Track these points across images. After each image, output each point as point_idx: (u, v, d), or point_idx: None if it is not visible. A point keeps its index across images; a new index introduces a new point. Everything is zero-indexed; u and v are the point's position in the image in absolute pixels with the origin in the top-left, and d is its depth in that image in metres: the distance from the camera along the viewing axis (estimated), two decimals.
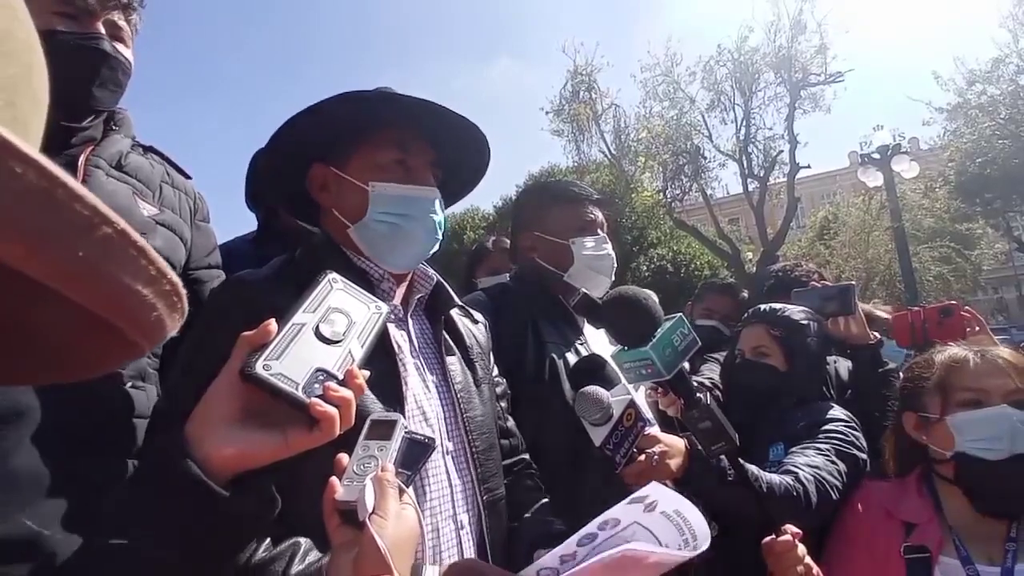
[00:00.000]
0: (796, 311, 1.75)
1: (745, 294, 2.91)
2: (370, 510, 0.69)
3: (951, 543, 1.26)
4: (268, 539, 0.77)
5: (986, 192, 15.46)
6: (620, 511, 0.89)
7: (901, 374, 1.54)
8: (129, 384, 1.16)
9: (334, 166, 1.11)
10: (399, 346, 1.06)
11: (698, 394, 1.20)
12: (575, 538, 0.88)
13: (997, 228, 18.28)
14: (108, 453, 1.08)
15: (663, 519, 0.87)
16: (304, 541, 0.81)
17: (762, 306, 1.80)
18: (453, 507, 1.03)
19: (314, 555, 0.79)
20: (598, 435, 1.22)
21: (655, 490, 0.90)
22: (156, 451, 0.79)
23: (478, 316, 1.31)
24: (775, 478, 1.34)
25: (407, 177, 1.10)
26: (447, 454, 1.05)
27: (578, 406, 1.23)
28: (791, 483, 1.35)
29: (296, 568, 0.76)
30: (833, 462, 1.46)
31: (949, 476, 1.31)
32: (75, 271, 0.27)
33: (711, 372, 2.03)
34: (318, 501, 0.76)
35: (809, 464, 1.43)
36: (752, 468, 1.31)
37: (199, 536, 0.67)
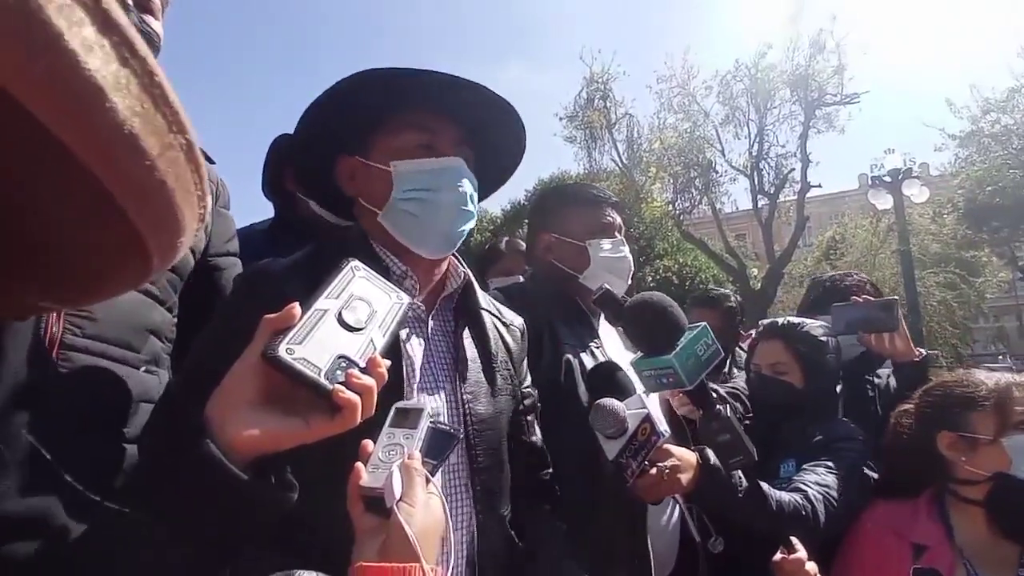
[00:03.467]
0: (816, 327, 1.73)
1: (732, 303, 2.83)
2: (397, 497, 0.68)
3: (962, 567, 1.26)
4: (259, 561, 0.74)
5: (994, 220, 15.44)
6: None
7: (919, 394, 1.50)
8: (143, 368, 1.15)
9: (359, 155, 1.09)
10: (412, 349, 1.03)
11: (718, 406, 1.19)
12: None
13: (1002, 257, 18.23)
14: (119, 437, 1.07)
15: None
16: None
17: (780, 320, 1.78)
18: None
19: None
20: (611, 448, 1.21)
21: None
22: (172, 432, 0.77)
23: (512, 319, 1.26)
24: (785, 496, 1.34)
25: (433, 155, 1.07)
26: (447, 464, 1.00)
27: (593, 419, 1.22)
28: (800, 501, 1.35)
29: None
30: (843, 480, 1.46)
31: (975, 497, 1.30)
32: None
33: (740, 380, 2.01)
34: (320, 500, 0.75)
35: (819, 483, 1.43)
36: (763, 485, 1.31)
37: (215, 520, 0.66)
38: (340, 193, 1.14)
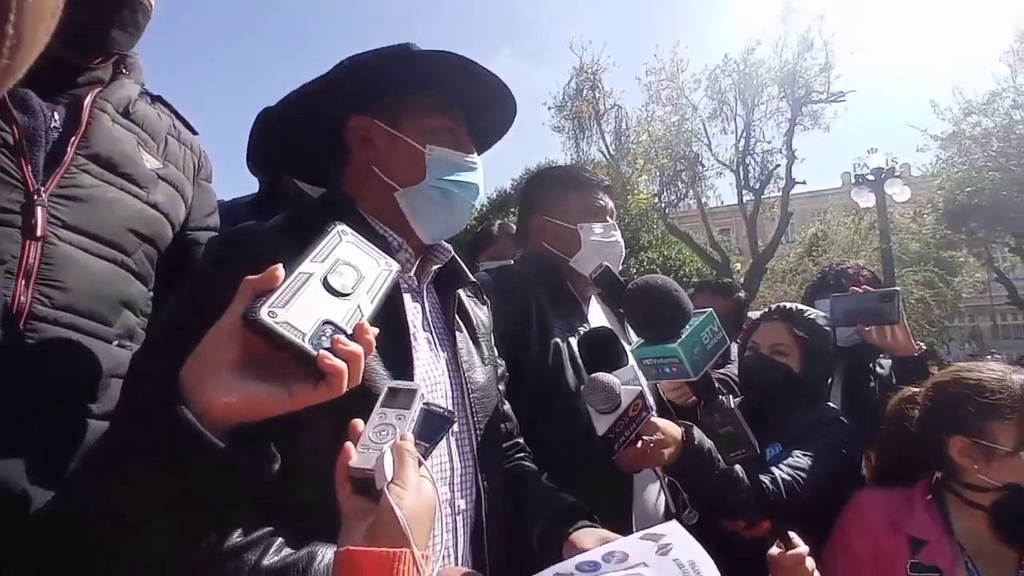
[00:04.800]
0: (820, 316, 1.74)
1: (741, 294, 2.87)
2: (388, 479, 0.65)
3: (962, 565, 1.23)
4: (241, 528, 0.73)
5: (972, 221, 15.67)
6: (630, 545, 0.84)
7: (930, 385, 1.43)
8: (115, 342, 1.11)
9: (382, 121, 1.05)
10: (412, 318, 1.02)
11: (720, 396, 1.16)
12: (574, 561, 0.83)
13: (979, 257, 18.59)
14: (85, 412, 1.03)
15: (675, 568, 0.80)
16: (278, 539, 0.76)
17: (787, 304, 1.79)
18: (451, 491, 0.99)
19: (288, 550, 0.75)
20: (603, 423, 1.20)
21: (673, 532, 0.85)
22: (144, 394, 0.75)
23: (483, 296, 1.28)
24: (754, 478, 1.36)
25: (457, 145, 1.07)
26: (451, 435, 1.01)
27: (586, 393, 1.21)
28: (768, 486, 1.38)
29: (269, 560, 0.71)
30: (819, 461, 1.49)
31: (980, 502, 1.25)
32: None
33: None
34: (313, 480, 0.73)
35: (790, 465, 1.46)
36: (737, 467, 1.33)
37: (187, 490, 0.63)
38: (328, 151, 1.09)
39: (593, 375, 1.20)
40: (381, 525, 0.63)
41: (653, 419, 1.23)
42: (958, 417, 1.29)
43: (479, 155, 1.27)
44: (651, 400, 1.19)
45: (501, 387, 1.25)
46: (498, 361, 1.26)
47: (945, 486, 1.34)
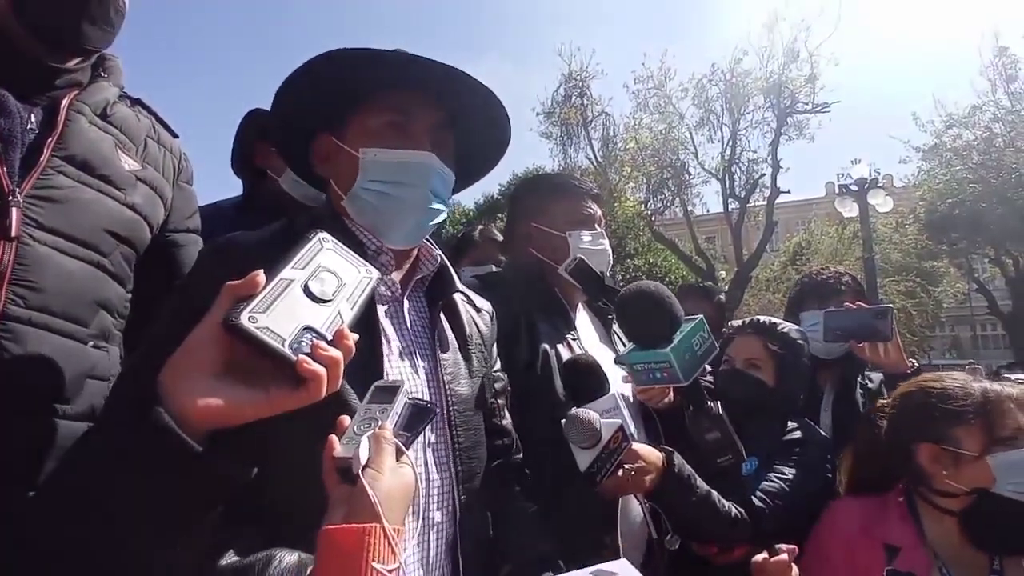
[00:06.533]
0: (794, 330, 1.75)
1: (722, 297, 2.88)
2: (363, 463, 0.68)
3: (937, 571, 1.25)
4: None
5: (953, 232, 15.95)
6: None
7: (897, 395, 1.46)
8: (91, 343, 1.09)
9: (334, 135, 1.05)
10: (384, 326, 1.00)
11: (708, 402, 1.16)
12: None
13: (960, 268, 18.92)
14: (58, 414, 1.02)
15: None
16: (238, 541, 0.77)
17: (761, 318, 1.80)
18: (426, 503, 0.97)
19: (234, 559, 0.75)
20: (584, 459, 1.19)
21: (623, 569, 0.88)
22: (124, 399, 0.75)
23: (482, 304, 1.25)
24: (733, 509, 1.38)
25: (402, 142, 1.03)
26: (428, 446, 1.00)
27: (567, 430, 1.20)
28: (743, 516, 1.39)
29: (227, 560, 0.73)
30: (797, 485, 1.50)
31: (950, 508, 1.28)
32: None
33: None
34: (300, 489, 0.73)
35: (765, 490, 1.47)
36: (714, 493, 1.34)
37: (163, 494, 0.63)
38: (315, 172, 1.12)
39: (572, 411, 1.19)
40: (356, 505, 0.66)
41: (634, 447, 1.23)
42: (925, 424, 1.33)
43: (489, 169, 1.26)
44: (632, 428, 1.18)
45: (501, 401, 1.22)
46: (497, 374, 1.23)
47: (916, 493, 1.36)
